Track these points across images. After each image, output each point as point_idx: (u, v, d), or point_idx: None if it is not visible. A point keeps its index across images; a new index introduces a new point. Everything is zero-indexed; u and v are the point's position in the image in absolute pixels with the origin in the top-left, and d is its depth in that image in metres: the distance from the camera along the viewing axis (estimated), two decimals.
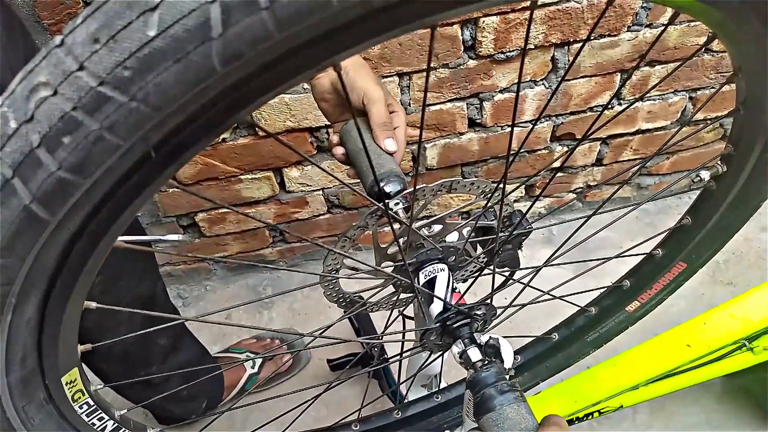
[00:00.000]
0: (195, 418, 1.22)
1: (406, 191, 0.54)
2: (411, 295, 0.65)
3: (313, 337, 0.57)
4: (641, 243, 0.71)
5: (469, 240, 0.59)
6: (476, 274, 0.64)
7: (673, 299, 1.41)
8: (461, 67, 1.16)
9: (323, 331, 0.59)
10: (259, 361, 1.31)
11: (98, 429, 0.50)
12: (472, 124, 1.30)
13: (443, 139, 1.31)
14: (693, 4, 0.38)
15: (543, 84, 1.25)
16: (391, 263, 0.60)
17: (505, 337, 0.71)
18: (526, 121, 1.32)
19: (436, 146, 1.32)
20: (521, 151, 1.40)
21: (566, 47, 1.17)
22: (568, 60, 1.20)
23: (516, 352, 0.86)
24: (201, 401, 1.22)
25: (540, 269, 0.61)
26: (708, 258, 0.71)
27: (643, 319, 0.82)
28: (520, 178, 1.48)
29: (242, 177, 1.28)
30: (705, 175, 0.59)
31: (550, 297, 0.72)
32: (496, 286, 0.62)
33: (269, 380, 1.33)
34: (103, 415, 0.50)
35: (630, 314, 0.80)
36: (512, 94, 1.24)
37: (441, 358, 0.83)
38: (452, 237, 0.62)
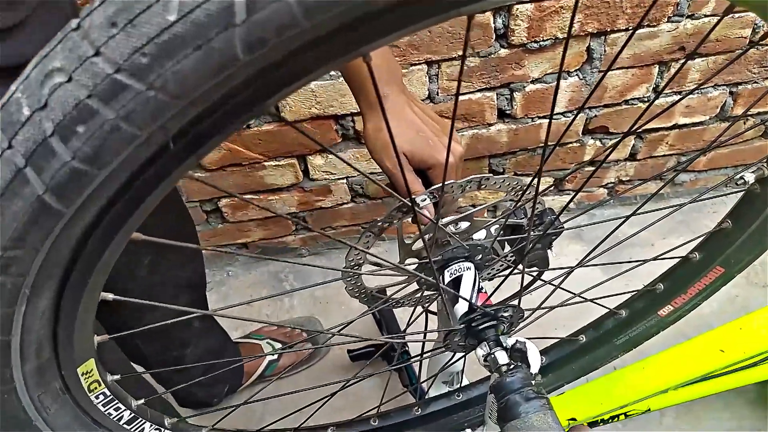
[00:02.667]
0: (216, 402, 1.23)
1: (433, 187, 0.52)
2: (435, 292, 0.63)
3: (331, 335, 0.56)
4: (678, 247, 0.67)
5: (498, 238, 0.57)
6: (504, 274, 0.62)
7: (706, 301, 1.35)
8: (492, 56, 1.12)
9: (342, 328, 0.57)
10: (278, 348, 1.31)
11: (114, 418, 0.50)
12: (502, 115, 1.27)
13: (471, 130, 1.28)
14: None
15: (577, 75, 1.21)
16: (416, 260, 0.59)
17: (530, 338, 0.68)
18: (558, 113, 1.28)
19: (464, 137, 1.29)
20: (551, 143, 1.37)
21: (603, 37, 1.13)
22: (605, 51, 1.16)
23: (542, 352, 0.84)
24: (223, 386, 1.22)
25: (572, 271, 0.59)
26: (747, 263, 0.68)
27: None
28: (549, 171, 1.45)
29: (266, 163, 1.27)
30: (749, 177, 0.55)
31: (581, 300, 0.69)
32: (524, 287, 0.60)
33: (288, 368, 1.33)
34: (119, 405, 0.50)
35: (662, 318, 0.77)
36: (545, 84, 1.21)
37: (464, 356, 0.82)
38: (480, 234, 0.60)
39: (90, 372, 0.44)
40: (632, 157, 1.46)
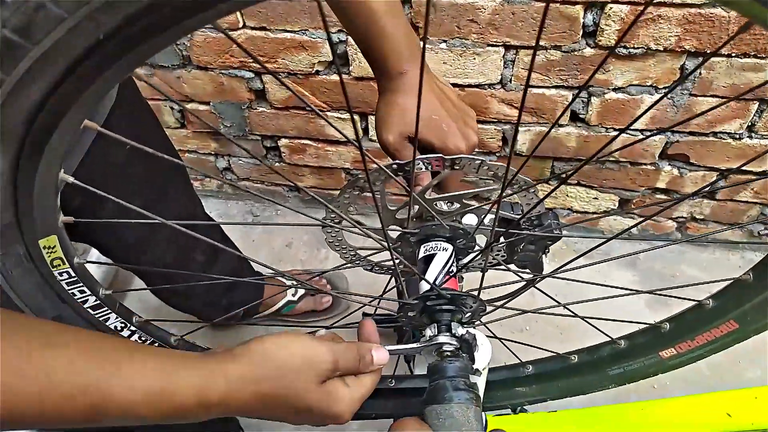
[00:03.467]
0: (232, 324, 1.29)
1: (403, 161, 0.51)
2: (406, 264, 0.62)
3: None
4: (686, 286, 0.62)
5: (480, 228, 0.55)
6: (463, 265, 0.59)
7: (750, 364, 1.25)
8: (575, 53, 1.06)
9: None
10: (300, 292, 1.34)
11: (78, 300, 0.53)
12: (575, 117, 1.20)
13: (539, 126, 1.23)
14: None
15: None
16: (398, 228, 0.58)
17: (523, 343, 0.66)
18: (635, 129, 1.20)
19: (530, 132, 1.24)
20: (623, 160, 1.28)
21: (701, 58, 1.04)
22: (700, 73, 1.06)
23: (530, 362, 0.81)
24: (239, 308, 1.26)
25: (544, 278, 0.56)
26: (766, 327, 0.61)
27: (707, 373, 0.73)
28: (615, 189, 1.37)
29: (328, 113, 1.29)
30: None
31: (570, 313, 0.66)
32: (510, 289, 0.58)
33: (305, 314, 1.36)
34: (85, 288, 0.53)
35: (663, 360, 0.72)
36: (627, 95, 1.13)
37: None
38: (471, 220, 0.58)
39: (53, 248, 0.47)
40: (711, 195, 1.35)
